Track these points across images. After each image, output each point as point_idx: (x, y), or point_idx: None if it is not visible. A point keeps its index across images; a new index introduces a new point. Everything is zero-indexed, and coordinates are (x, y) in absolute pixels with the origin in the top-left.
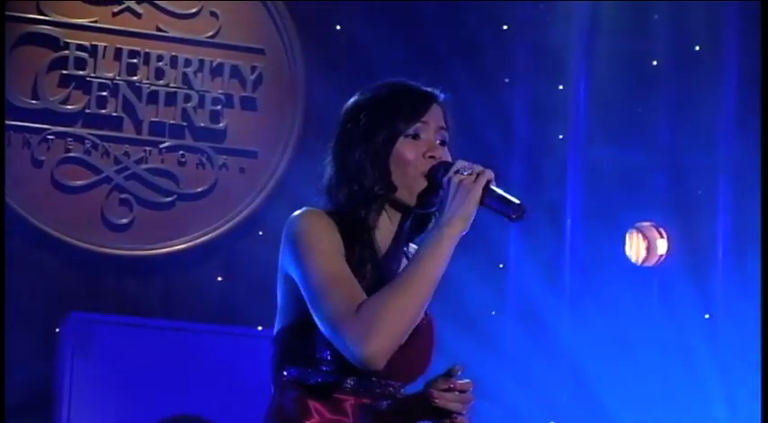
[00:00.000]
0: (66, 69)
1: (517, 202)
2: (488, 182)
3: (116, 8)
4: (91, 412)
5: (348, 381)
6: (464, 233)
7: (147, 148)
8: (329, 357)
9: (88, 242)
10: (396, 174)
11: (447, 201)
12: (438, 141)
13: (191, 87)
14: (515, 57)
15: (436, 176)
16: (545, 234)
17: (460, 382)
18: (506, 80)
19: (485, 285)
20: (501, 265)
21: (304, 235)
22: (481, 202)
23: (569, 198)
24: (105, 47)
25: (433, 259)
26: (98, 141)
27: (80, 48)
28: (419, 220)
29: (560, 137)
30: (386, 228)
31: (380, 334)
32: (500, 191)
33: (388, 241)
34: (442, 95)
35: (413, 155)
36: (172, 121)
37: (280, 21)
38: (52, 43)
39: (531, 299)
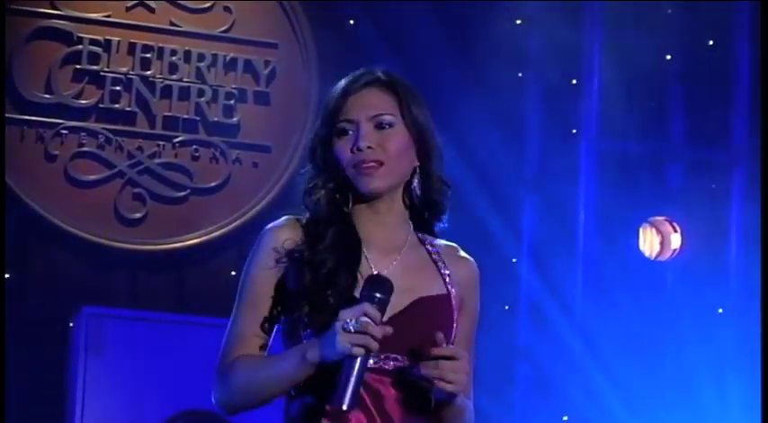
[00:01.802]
0: (79, 64)
1: (346, 400)
2: (356, 358)
3: (129, 3)
4: (104, 406)
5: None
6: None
7: (161, 143)
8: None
9: (101, 237)
10: (342, 173)
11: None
12: (375, 127)
13: (204, 82)
14: (528, 51)
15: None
16: (558, 228)
17: (444, 349)
18: (519, 75)
19: (498, 280)
20: (514, 260)
21: (252, 254)
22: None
23: (582, 193)
24: (119, 41)
25: (277, 373)
26: (111, 136)
27: (94, 42)
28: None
29: (573, 131)
30: (369, 219)
31: (224, 403)
32: (353, 375)
33: (376, 231)
34: (371, 79)
35: (342, 153)
36: (185, 116)
37: (293, 15)
38: (66, 38)
39: (543, 294)
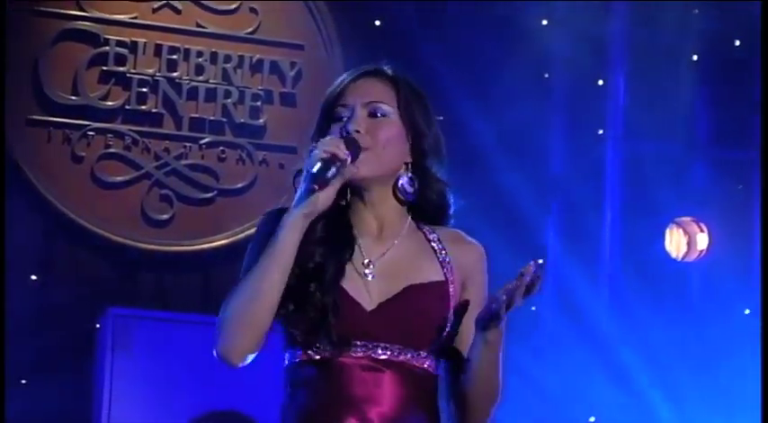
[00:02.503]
0: (106, 65)
1: (314, 170)
2: (317, 169)
3: (156, 4)
4: (131, 407)
5: (325, 351)
6: (309, 213)
7: (187, 144)
8: (305, 339)
9: (128, 238)
10: None
11: None
12: (368, 114)
13: (230, 83)
14: (554, 52)
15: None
16: (585, 229)
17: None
18: (545, 75)
19: None
20: (540, 261)
21: (254, 234)
22: (320, 188)
23: (609, 193)
24: (145, 43)
25: (270, 248)
26: (138, 137)
27: (120, 44)
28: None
29: (600, 132)
30: (364, 210)
31: (222, 334)
32: (317, 169)
33: (370, 221)
34: (370, 70)
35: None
36: (212, 117)
37: (319, 16)
38: (92, 39)
39: (570, 294)
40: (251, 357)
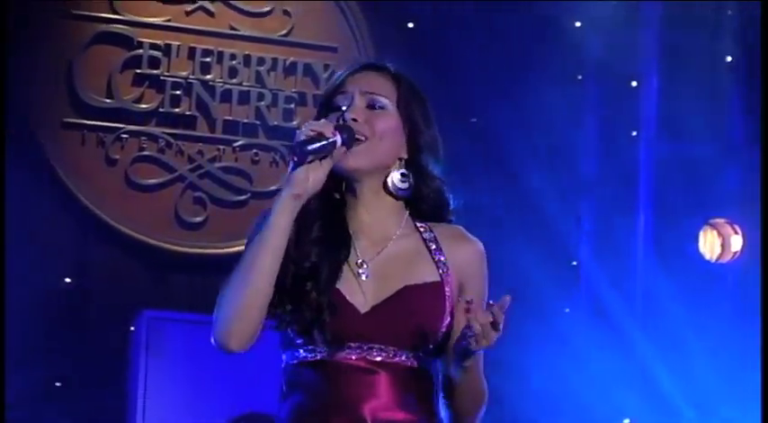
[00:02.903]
0: (139, 68)
1: (300, 139)
2: (297, 141)
3: (189, 7)
4: (165, 409)
5: (320, 352)
6: (297, 195)
7: (221, 147)
8: (301, 340)
9: (162, 240)
10: None
11: None
12: (366, 105)
13: (264, 86)
14: (588, 54)
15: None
16: (618, 231)
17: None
18: (579, 77)
19: (558, 283)
20: (574, 263)
21: (250, 230)
22: (297, 160)
23: (642, 195)
24: (179, 46)
25: (262, 230)
26: (172, 140)
27: (154, 47)
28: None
29: (633, 134)
30: (359, 205)
31: (218, 321)
32: (297, 141)
33: (365, 218)
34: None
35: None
36: (245, 120)
37: (352, 19)
38: (126, 42)
39: (604, 296)
40: (249, 345)
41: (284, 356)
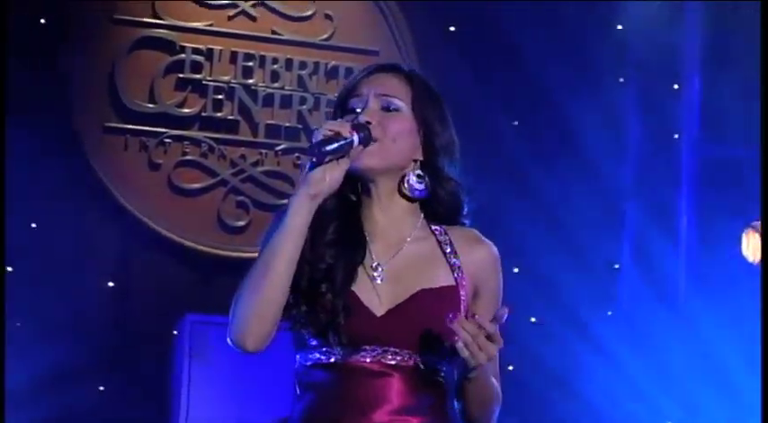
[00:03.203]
0: (182, 73)
1: (319, 139)
2: (316, 141)
3: (231, 12)
4: (207, 412)
5: (334, 355)
6: (314, 195)
7: (263, 151)
8: (316, 341)
9: (204, 244)
10: None
11: None
12: (380, 108)
13: (306, 90)
14: (629, 56)
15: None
16: (660, 234)
17: (489, 325)
18: (621, 80)
19: (600, 286)
20: (616, 266)
21: (266, 230)
22: (316, 160)
23: (684, 197)
24: (221, 50)
25: (279, 229)
26: (214, 144)
27: (196, 51)
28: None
29: (675, 136)
30: (374, 207)
31: (235, 320)
32: (315, 141)
33: (380, 220)
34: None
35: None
36: (287, 124)
37: (394, 22)
38: (168, 47)
39: (646, 299)
40: (265, 345)
41: (298, 357)
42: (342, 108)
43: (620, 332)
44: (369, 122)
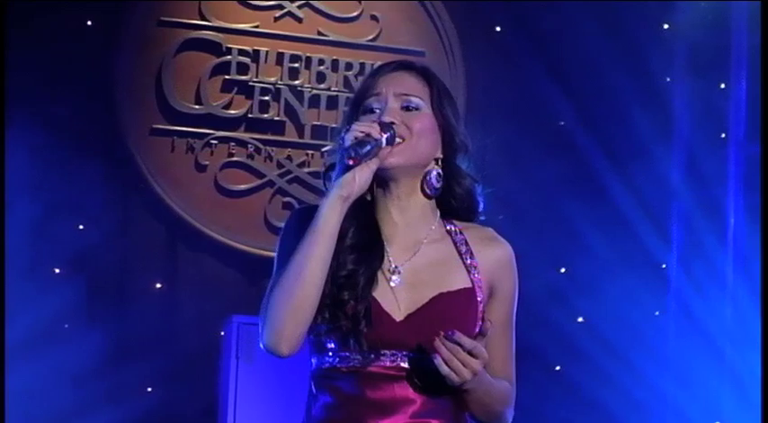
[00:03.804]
0: (228, 74)
1: (347, 144)
2: (351, 144)
3: (277, 13)
4: (255, 413)
5: (353, 360)
6: (346, 197)
7: (310, 152)
8: (334, 345)
9: (251, 246)
10: None
11: None
12: (401, 107)
13: (352, 91)
14: (676, 56)
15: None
16: (707, 234)
17: (466, 340)
18: (667, 79)
19: (647, 286)
20: (663, 266)
21: (280, 236)
22: (353, 163)
23: (732, 197)
24: (267, 52)
25: (309, 231)
26: (261, 145)
27: (242, 53)
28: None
29: (722, 135)
30: (391, 207)
31: (269, 324)
32: (351, 143)
33: (398, 221)
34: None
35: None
36: (334, 125)
37: (439, 23)
38: (214, 49)
39: (694, 299)
40: (298, 348)
41: (314, 361)
42: (359, 107)
43: (668, 332)
44: (393, 122)
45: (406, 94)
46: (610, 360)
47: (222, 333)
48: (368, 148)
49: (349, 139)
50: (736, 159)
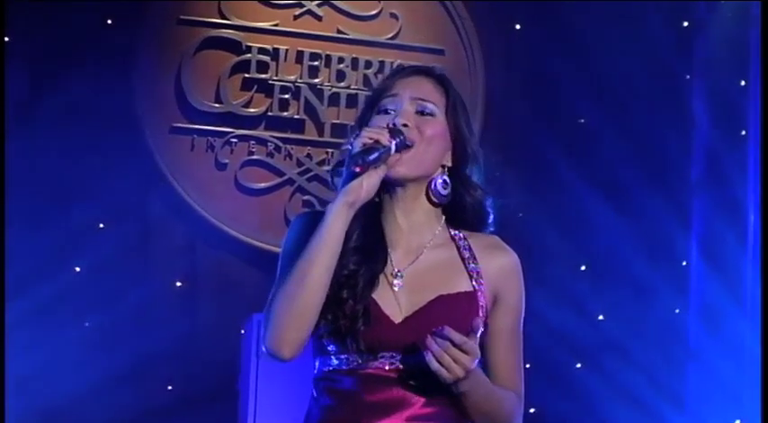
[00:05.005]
0: (248, 73)
1: (355, 151)
2: (359, 151)
3: (297, 11)
4: (275, 411)
5: (353, 362)
6: (352, 203)
7: (329, 150)
8: (334, 347)
9: (271, 244)
10: None
11: None
12: (415, 111)
13: (372, 89)
14: (696, 53)
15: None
16: (727, 231)
17: (456, 335)
18: (687, 77)
19: (667, 284)
20: (684, 263)
21: (284, 240)
22: (360, 170)
23: (752, 194)
24: (287, 50)
25: (315, 236)
26: (280, 144)
27: (262, 51)
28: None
29: (742, 133)
30: (396, 210)
31: (272, 326)
32: (359, 150)
33: (402, 224)
34: (421, 69)
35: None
36: (353, 123)
37: (459, 21)
38: (234, 47)
39: (715, 296)
40: (300, 352)
41: (316, 363)
42: (374, 107)
43: (688, 329)
44: (405, 125)
45: (422, 99)
46: (629, 358)
47: (242, 331)
48: (375, 155)
49: (357, 145)
50: (755, 157)
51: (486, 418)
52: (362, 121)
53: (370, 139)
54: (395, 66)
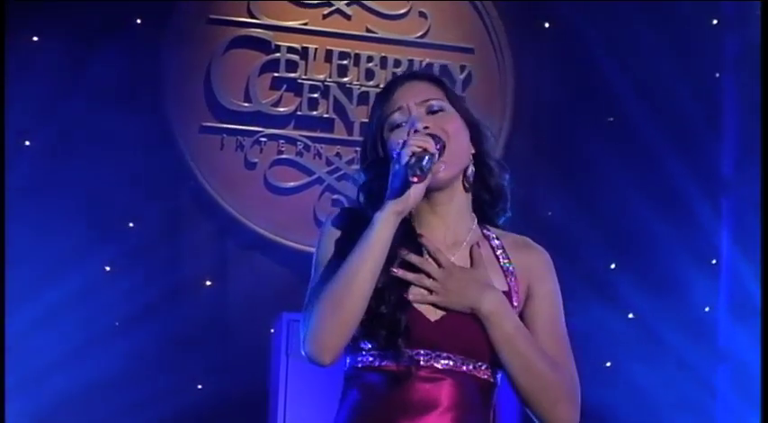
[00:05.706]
0: (277, 72)
1: (412, 161)
2: (410, 159)
3: (326, 10)
4: (305, 410)
5: (387, 359)
6: (400, 211)
7: (359, 149)
8: (367, 345)
9: (300, 243)
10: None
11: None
12: (426, 113)
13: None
14: (725, 52)
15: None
16: (758, 230)
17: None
18: (716, 75)
19: (698, 282)
20: (714, 261)
21: (318, 240)
22: (418, 180)
23: None
24: (316, 49)
25: (361, 243)
26: (310, 143)
27: (291, 50)
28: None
29: None
30: (429, 213)
31: (313, 332)
32: (414, 160)
33: (436, 226)
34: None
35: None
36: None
37: (488, 19)
38: (263, 46)
39: (744, 294)
40: (339, 357)
41: (348, 360)
42: (383, 126)
43: (718, 328)
44: (426, 127)
45: (426, 100)
46: (660, 357)
47: (272, 330)
48: (428, 163)
49: (406, 154)
50: None
51: (527, 373)
52: (375, 143)
53: (419, 147)
54: (424, 65)
